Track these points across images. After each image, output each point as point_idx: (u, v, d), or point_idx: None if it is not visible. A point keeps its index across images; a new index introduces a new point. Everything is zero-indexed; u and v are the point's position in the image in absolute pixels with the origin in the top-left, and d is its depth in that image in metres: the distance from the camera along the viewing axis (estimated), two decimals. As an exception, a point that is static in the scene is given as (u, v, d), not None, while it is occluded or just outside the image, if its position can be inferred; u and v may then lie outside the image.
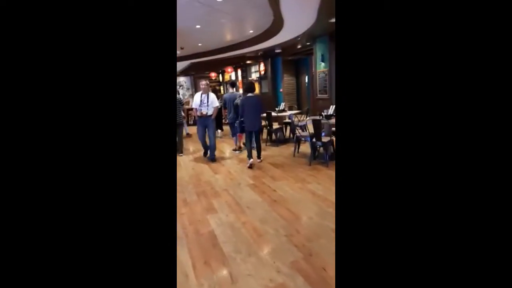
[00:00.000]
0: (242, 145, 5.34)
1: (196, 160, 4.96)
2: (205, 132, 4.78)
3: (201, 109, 4.61)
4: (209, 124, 4.68)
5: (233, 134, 5.40)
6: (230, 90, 5.55)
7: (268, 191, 3.28)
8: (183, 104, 5.71)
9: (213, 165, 4.57)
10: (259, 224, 2.53)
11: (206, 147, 4.93)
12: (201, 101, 4.60)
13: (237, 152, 5.34)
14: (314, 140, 4.18)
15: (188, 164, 4.75)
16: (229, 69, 12.87)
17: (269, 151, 5.22)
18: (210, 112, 4.63)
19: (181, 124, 5.47)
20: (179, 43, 6.94)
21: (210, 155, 4.80)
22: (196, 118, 4.81)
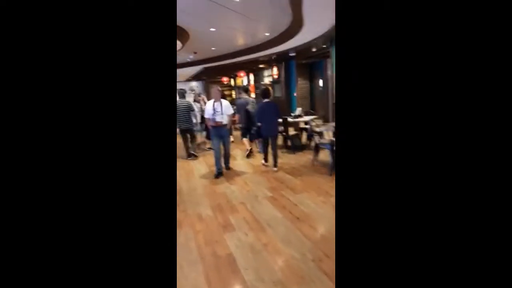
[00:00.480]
0: (256, 150, 5.41)
1: (211, 168, 4.73)
2: (220, 143, 4.29)
3: (214, 118, 4.16)
4: (225, 134, 4.30)
5: (243, 136, 5.40)
6: (244, 95, 5.43)
7: (289, 206, 3.02)
8: (193, 110, 5.54)
9: (228, 174, 4.35)
10: (282, 245, 2.28)
11: (220, 167, 4.29)
12: (214, 109, 4.17)
13: (248, 152, 5.33)
14: (335, 148, 3.91)
15: (201, 173, 4.55)
16: (242, 73, 12.72)
17: (285, 159, 4.97)
18: (225, 121, 4.20)
19: (191, 130, 5.43)
20: (192, 48, 6.80)
21: (224, 163, 4.52)
22: (210, 128, 4.39)
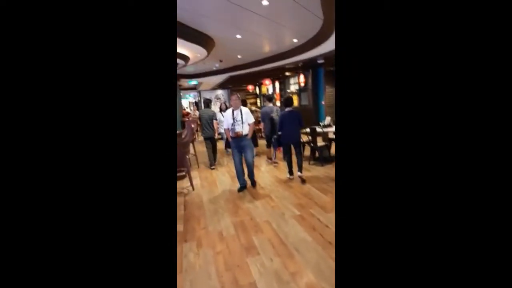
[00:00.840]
0: (277, 160, 5.43)
1: (233, 179, 4.51)
2: (241, 155, 3.89)
3: (234, 129, 3.76)
4: (246, 145, 3.81)
5: (268, 146, 5.44)
6: (268, 104, 5.43)
7: (319, 227, 2.71)
8: (216, 119, 5.55)
9: (252, 187, 4.09)
10: (313, 276, 1.98)
11: (243, 181, 3.98)
12: (233, 118, 3.77)
13: (272, 162, 5.40)
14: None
15: (224, 185, 4.35)
16: (267, 81, 12.57)
17: (313, 171, 4.65)
18: (245, 131, 3.79)
19: (211, 138, 5.46)
20: (218, 56, 6.74)
21: (249, 177, 4.03)
22: (230, 140, 3.91)
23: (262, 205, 3.39)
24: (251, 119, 3.87)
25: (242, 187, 3.97)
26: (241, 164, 3.91)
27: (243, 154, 3.87)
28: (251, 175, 4.03)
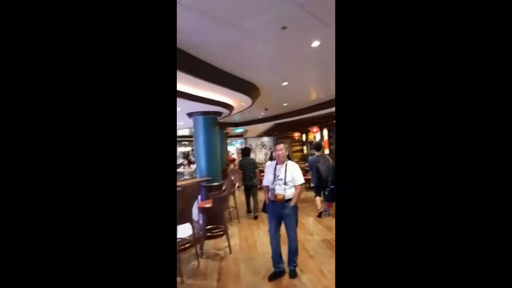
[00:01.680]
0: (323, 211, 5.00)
1: (276, 242, 3.88)
2: (279, 228, 2.82)
3: (274, 189, 2.71)
4: (288, 215, 2.70)
5: (317, 195, 5.12)
6: (316, 153, 5.28)
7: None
8: (257, 167, 5.64)
9: (299, 254, 3.37)
10: None
11: (279, 265, 2.79)
12: (274, 175, 2.74)
13: (322, 215, 5.02)
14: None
15: (266, 248, 3.71)
16: (315, 128, 12.15)
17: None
18: (289, 195, 2.69)
19: (253, 186, 5.41)
20: (263, 104, 6.60)
21: (289, 264, 2.84)
22: (267, 202, 2.86)
23: (311, 283, 2.69)
24: (300, 180, 2.73)
25: (276, 274, 2.77)
26: (278, 239, 2.81)
27: (283, 225, 2.81)
28: (292, 258, 2.82)
